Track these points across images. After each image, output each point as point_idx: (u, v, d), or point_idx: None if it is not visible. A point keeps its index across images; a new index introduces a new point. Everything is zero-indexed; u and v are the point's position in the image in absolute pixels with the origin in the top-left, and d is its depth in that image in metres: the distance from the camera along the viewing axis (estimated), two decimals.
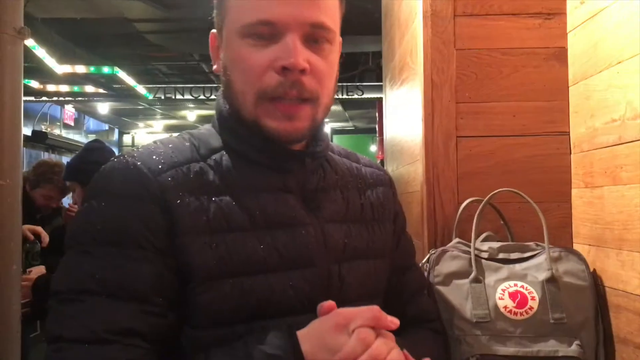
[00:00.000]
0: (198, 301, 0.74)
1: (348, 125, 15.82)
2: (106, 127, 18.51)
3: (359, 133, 16.18)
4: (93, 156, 2.35)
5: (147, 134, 17.57)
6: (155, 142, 0.84)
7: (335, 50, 0.83)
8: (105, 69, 9.85)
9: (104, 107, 13.85)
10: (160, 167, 0.77)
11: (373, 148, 13.91)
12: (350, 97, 10.12)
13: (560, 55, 1.48)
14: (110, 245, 0.73)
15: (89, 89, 11.79)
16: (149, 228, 0.74)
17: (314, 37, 0.79)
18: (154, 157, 0.79)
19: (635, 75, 1.14)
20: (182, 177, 0.77)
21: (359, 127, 16.02)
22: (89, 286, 0.71)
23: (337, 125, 15.71)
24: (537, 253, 1.30)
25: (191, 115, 14.42)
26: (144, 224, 0.73)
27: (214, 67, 0.85)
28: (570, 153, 1.45)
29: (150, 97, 12.61)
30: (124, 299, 0.71)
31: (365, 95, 10.12)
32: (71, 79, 10.65)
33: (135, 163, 0.77)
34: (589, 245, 1.34)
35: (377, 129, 10.12)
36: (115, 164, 0.79)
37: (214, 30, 0.86)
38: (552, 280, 1.23)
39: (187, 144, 0.83)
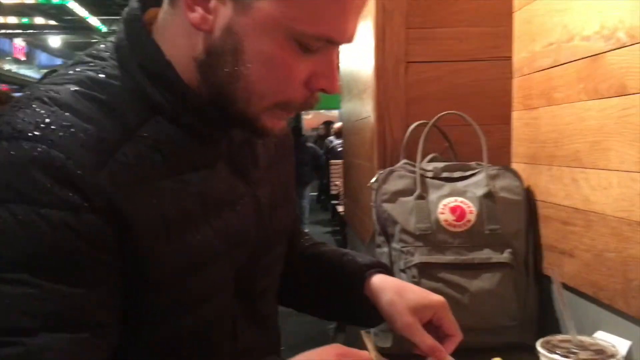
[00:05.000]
0: (148, 302, 0.66)
1: None
2: (60, 61, 17.79)
3: None
4: None
5: None
6: (48, 106, 0.61)
7: None
8: None
9: (55, 41, 13.28)
10: (93, 160, 0.59)
11: None
12: None
13: None
14: (40, 271, 0.56)
15: (39, 20, 11.26)
16: (90, 243, 0.59)
17: None
18: (78, 143, 0.59)
19: None
20: (122, 169, 0.61)
21: None
22: (23, 324, 0.55)
23: None
24: (477, 171, 1.38)
25: None
26: (84, 240, 0.58)
27: (193, 15, 0.62)
28: (512, 77, 1.52)
29: (104, 29, 12.10)
30: (68, 332, 0.57)
31: None
32: (19, 9, 10.13)
33: (59, 158, 0.57)
34: (525, 163, 1.43)
35: None
36: (23, 156, 0.57)
37: None
38: (489, 195, 1.32)
39: (101, 109, 0.62)
